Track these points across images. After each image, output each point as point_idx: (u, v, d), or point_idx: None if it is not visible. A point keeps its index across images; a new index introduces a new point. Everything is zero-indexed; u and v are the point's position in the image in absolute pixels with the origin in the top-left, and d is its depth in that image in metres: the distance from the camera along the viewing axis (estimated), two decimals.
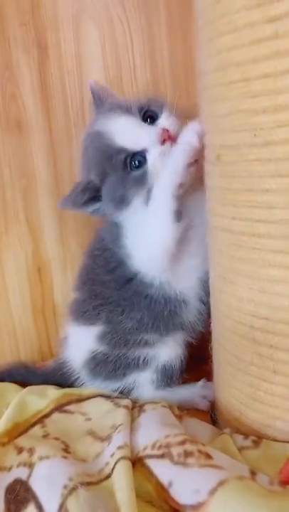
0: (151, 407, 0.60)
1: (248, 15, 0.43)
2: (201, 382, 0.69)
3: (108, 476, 0.49)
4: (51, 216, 0.82)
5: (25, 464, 0.53)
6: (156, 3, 0.72)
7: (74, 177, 0.80)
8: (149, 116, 0.62)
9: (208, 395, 0.67)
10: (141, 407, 0.61)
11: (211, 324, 0.62)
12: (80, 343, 0.69)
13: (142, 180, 0.61)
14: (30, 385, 0.70)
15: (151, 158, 0.60)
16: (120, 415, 0.59)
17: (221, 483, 0.43)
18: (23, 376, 0.73)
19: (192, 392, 0.68)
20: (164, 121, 0.61)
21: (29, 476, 0.51)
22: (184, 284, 0.65)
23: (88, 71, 0.76)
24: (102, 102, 0.66)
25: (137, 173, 0.61)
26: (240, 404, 0.56)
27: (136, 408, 0.61)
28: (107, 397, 0.66)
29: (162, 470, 0.47)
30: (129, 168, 0.61)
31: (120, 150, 0.60)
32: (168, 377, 0.67)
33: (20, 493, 0.49)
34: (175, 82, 0.75)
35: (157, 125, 0.61)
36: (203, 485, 0.43)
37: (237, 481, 0.43)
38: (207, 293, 0.63)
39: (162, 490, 0.46)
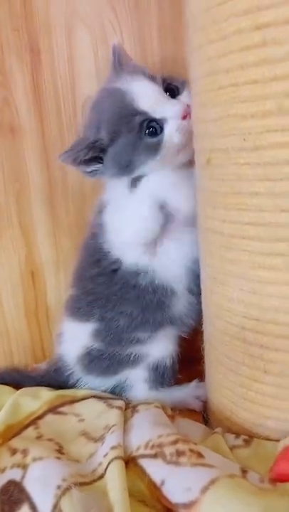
0: (144, 407, 0.61)
1: (237, 22, 0.44)
2: (193, 383, 0.70)
3: (101, 476, 0.50)
4: (44, 220, 0.82)
5: (18, 466, 0.53)
6: (147, 8, 0.73)
7: (67, 181, 0.81)
8: (169, 89, 0.61)
9: (201, 395, 0.68)
10: (134, 407, 0.61)
11: (203, 325, 0.63)
12: (75, 338, 0.69)
13: (154, 150, 0.59)
14: (24, 387, 0.71)
15: (169, 129, 0.59)
16: (113, 416, 0.59)
17: (212, 482, 0.43)
18: (16, 380, 0.73)
19: (185, 392, 0.69)
20: (186, 97, 0.60)
21: (23, 477, 0.51)
22: (170, 272, 0.65)
23: (81, 75, 0.76)
24: (121, 64, 0.64)
25: (151, 140, 0.59)
26: (231, 403, 0.57)
27: (129, 409, 0.62)
28: (101, 398, 0.66)
29: (155, 469, 0.48)
30: (144, 134, 0.59)
31: (140, 112, 0.58)
32: (161, 376, 0.68)
33: (14, 494, 0.49)
34: None
35: (179, 100, 0.60)
36: (195, 483, 0.44)
37: (228, 479, 0.44)
38: (196, 283, 0.64)
39: (155, 489, 0.47)
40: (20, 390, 0.69)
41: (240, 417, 0.56)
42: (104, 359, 0.67)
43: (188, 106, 0.58)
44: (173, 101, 0.60)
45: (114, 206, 0.65)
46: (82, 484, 0.49)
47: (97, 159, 0.62)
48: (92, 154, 0.61)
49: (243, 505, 0.41)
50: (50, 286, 0.85)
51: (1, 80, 0.76)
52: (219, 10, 0.45)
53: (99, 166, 0.63)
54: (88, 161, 0.62)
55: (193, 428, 0.59)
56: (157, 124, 0.59)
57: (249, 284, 0.50)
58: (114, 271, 0.65)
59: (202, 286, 0.61)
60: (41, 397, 0.67)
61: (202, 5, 0.48)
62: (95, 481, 0.50)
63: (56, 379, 0.71)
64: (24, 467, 0.52)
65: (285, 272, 0.47)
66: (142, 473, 0.49)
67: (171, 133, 0.59)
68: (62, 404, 0.65)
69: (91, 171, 0.63)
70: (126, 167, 0.61)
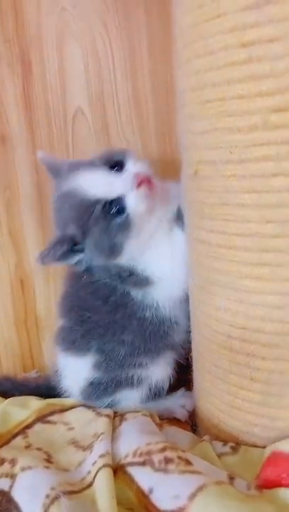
0: (132, 415, 0.61)
1: (223, 39, 0.45)
2: (179, 392, 0.70)
3: (90, 485, 0.50)
4: (34, 228, 0.83)
5: (7, 475, 0.53)
6: (137, 23, 0.74)
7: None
8: (115, 164, 0.61)
9: (187, 404, 0.68)
10: (122, 415, 0.62)
11: (191, 333, 0.63)
12: (76, 373, 0.68)
13: (126, 226, 0.60)
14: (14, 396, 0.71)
15: (131, 203, 0.59)
16: (102, 424, 0.60)
17: (200, 489, 0.44)
18: (6, 389, 0.73)
19: (171, 401, 0.69)
20: (132, 166, 0.61)
21: (11, 487, 0.51)
22: (173, 301, 0.65)
23: (71, 88, 0.77)
24: (58, 170, 0.65)
25: (119, 219, 0.59)
26: (218, 411, 0.57)
27: (117, 417, 0.62)
28: (89, 406, 0.67)
29: (143, 477, 0.48)
30: (111, 216, 0.59)
31: (97, 201, 0.59)
32: (154, 395, 0.68)
33: (2, 504, 0.49)
34: (155, 98, 0.77)
35: (125, 171, 0.61)
36: (183, 490, 0.44)
37: (216, 486, 0.44)
38: None
39: (143, 497, 0.47)
40: (9, 399, 0.69)
41: (228, 425, 0.56)
42: (104, 383, 0.66)
43: (138, 174, 0.59)
44: (122, 175, 0.60)
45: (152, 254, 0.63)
46: (70, 493, 0.49)
47: (78, 250, 0.62)
48: (68, 247, 0.61)
49: None
50: (39, 295, 0.85)
51: None
52: (206, 26, 0.47)
53: (81, 255, 0.63)
54: (67, 254, 0.62)
55: (181, 436, 0.60)
56: (119, 202, 0.59)
57: (236, 293, 0.51)
58: (123, 305, 0.64)
59: (190, 296, 0.62)
60: (30, 406, 0.67)
61: (190, 21, 0.49)
62: (84, 489, 0.50)
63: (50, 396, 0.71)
64: (12, 477, 0.52)
65: (271, 281, 0.48)
66: (130, 481, 0.49)
67: (134, 205, 0.59)
68: (52, 413, 0.65)
69: (77, 262, 0.63)
70: (111, 251, 0.61)
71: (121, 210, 0.59)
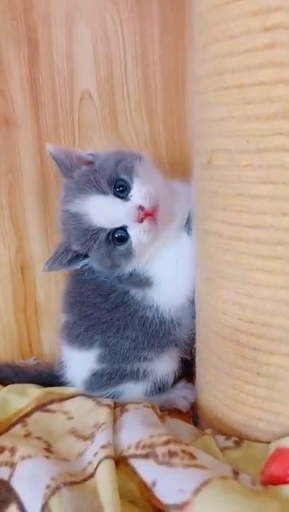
0: (133, 406, 0.60)
1: (245, 23, 0.44)
2: (181, 383, 0.70)
3: (91, 476, 0.49)
4: (36, 214, 0.81)
5: (6, 464, 0.52)
6: (149, 5, 0.72)
7: (60, 176, 0.79)
8: (120, 187, 0.60)
9: (188, 395, 0.68)
10: (123, 406, 0.61)
11: (196, 326, 0.62)
12: (80, 365, 0.68)
13: (127, 253, 0.60)
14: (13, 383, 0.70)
15: (134, 235, 0.59)
16: (103, 414, 0.59)
17: (204, 483, 0.43)
18: (7, 375, 0.73)
19: (172, 392, 0.69)
20: (137, 194, 0.59)
21: (11, 476, 0.50)
22: (178, 304, 0.65)
23: (79, 70, 0.75)
24: (70, 171, 0.63)
25: (121, 247, 0.60)
26: (222, 405, 0.57)
27: (118, 407, 0.61)
28: (89, 396, 0.66)
29: (146, 469, 0.48)
30: (112, 244, 0.60)
31: (101, 229, 0.60)
32: (158, 389, 0.67)
33: (1, 493, 0.49)
34: (165, 84, 0.76)
35: (131, 198, 0.59)
36: (188, 485, 0.44)
37: (221, 481, 0.44)
38: None
39: (146, 489, 0.46)
40: (7, 387, 0.69)
41: (231, 419, 0.56)
42: (108, 373, 0.66)
43: (140, 207, 0.58)
44: (125, 205, 0.59)
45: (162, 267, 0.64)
46: (72, 484, 0.48)
47: (83, 255, 0.64)
48: (73, 255, 0.64)
49: (235, 507, 0.41)
50: (39, 282, 0.84)
51: None
52: (227, 10, 0.45)
53: (86, 260, 0.64)
54: (73, 261, 0.64)
55: (183, 428, 0.59)
56: (122, 230, 0.60)
57: (245, 286, 0.50)
58: (123, 303, 0.64)
59: (196, 288, 0.61)
60: (29, 394, 0.67)
61: (209, 3, 0.48)
62: (85, 480, 0.49)
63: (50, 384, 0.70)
64: (12, 466, 0.51)
65: (282, 275, 0.47)
66: (133, 473, 0.48)
67: (136, 236, 0.59)
68: (51, 402, 0.65)
69: (83, 266, 0.65)
70: (111, 268, 0.63)
71: (124, 238, 0.60)
